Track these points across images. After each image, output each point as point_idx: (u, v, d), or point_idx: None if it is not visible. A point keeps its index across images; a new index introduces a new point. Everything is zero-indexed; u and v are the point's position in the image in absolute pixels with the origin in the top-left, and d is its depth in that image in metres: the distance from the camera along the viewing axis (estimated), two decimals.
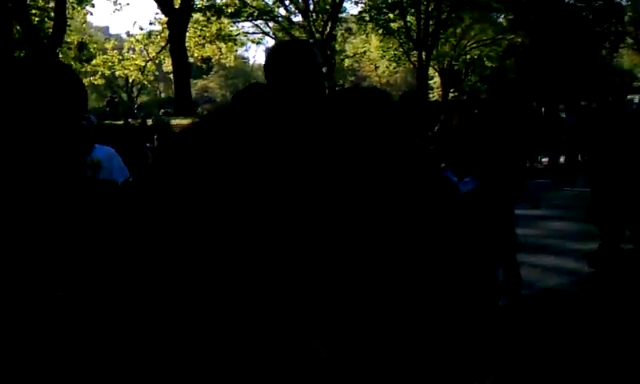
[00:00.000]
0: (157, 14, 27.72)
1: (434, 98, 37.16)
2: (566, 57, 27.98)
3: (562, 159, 9.92)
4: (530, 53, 28.88)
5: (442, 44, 30.48)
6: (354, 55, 33.66)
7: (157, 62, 28.96)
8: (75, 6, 25.26)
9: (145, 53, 28.23)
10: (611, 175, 5.74)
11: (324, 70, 2.71)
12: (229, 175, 0.91)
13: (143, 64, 27.94)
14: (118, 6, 29.22)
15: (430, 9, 26.58)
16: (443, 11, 26.88)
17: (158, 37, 27.09)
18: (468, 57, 34.91)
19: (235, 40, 29.82)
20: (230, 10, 27.19)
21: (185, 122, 9.53)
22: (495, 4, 28.96)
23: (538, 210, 7.89)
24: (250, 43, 33.63)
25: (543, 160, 19.44)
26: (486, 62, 34.90)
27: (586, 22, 30.21)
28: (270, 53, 2.56)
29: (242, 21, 29.00)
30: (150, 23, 31.21)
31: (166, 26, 25.39)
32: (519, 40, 31.07)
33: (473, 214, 1.71)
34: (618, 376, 3.91)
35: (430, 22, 26.87)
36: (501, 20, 33.16)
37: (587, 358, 4.27)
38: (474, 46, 33.94)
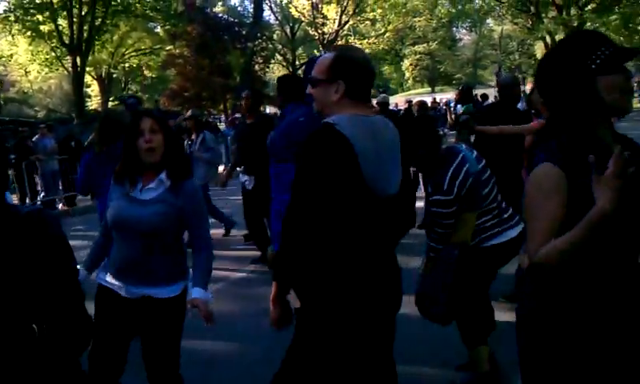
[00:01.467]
0: None
1: (93, 107, 35.64)
2: (221, 70, 29.30)
3: (221, 168, 10.24)
4: (189, 64, 29.60)
5: (98, 50, 29.33)
6: (0, 58, 30.48)
7: None
8: None
9: None
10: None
11: None
12: None
13: None
14: None
15: (83, 13, 25.24)
16: (97, 17, 25.80)
17: None
18: (127, 65, 34.32)
19: None
20: None
21: None
22: (152, 14, 28.93)
23: None
24: None
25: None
26: (146, 72, 34.72)
27: (239, 37, 32.04)
28: None
29: None
30: None
31: None
32: (178, 51, 31.59)
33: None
34: None
35: (84, 27, 25.55)
36: (158, 30, 33.30)
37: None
38: (132, 54, 33.49)
